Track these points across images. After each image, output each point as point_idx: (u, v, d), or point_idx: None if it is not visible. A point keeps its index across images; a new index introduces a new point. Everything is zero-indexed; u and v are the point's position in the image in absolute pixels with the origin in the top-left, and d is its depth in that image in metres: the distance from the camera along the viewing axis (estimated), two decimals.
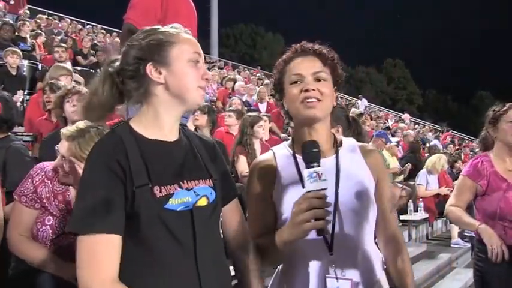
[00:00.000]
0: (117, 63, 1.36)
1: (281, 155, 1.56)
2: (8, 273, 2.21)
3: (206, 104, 4.69)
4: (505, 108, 2.70)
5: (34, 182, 2.16)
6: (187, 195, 1.29)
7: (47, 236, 2.14)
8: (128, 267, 1.21)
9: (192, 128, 4.20)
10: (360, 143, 1.62)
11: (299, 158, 1.50)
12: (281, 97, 1.57)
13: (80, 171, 1.99)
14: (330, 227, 1.42)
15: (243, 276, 1.49)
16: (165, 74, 1.30)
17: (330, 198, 1.40)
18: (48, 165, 2.23)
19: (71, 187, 2.20)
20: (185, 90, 1.31)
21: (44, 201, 2.15)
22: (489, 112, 2.78)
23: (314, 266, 1.45)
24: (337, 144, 1.56)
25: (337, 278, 1.42)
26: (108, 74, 1.35)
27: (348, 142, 1.60)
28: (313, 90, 1.44)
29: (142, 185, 1.22)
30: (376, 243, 1.59)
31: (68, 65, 6.21)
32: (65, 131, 2.16)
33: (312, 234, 1.36)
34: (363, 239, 1.48)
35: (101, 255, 1.17)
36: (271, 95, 10.88)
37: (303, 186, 1.36)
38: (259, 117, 4.69)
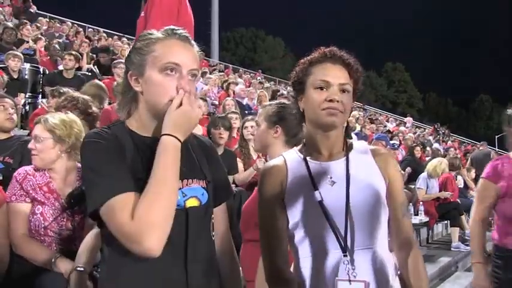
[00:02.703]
0: None
1: (292, 159, 1.56)
2: (10, 275, 2.22)
3: (222, 115, 4.55)
4: None
5: (18, 179, 2.27)
6: None
7: (39, 224, 2.22)
8: (116, 261, 1.24)
9: (200, 132, 4.17)
10: (373, 146, 1.62)
11: (310, 161, 1.52)
12: (298, 95, 1.56)
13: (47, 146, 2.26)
14: (342, 229, 1.44)
15: (228, 277, 1.49)
16: (141, 83, 1.32)
17: (342, 201, 1.44)
18: (28, 168, 2.35)
19: (52, 178, 2.32)
20: (156, 102, 1.30)
21: (31, 192, 2.25)
22: (504, 114, 2.67)
23: (325, 269, 1.45)
24: (347, 148, 1.55)
25: (350, 281, 1.41)
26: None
27: (359, 145, 1.60)
28: (338, 102, 1.44)
29: (139, 178, 1.23)
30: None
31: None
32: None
33: (325, 236, 1.43)
34: (375, 242, 1.46)
35: (128, 208, 1.17)
36: (271, 98, 10.90)
37: (316, 189, 1.45)
38: (247, 119, 4.54)
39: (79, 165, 2.39)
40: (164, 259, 1.22)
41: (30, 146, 2.30)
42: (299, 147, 1.61)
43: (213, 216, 1.42)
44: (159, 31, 1.36)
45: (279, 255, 1.50)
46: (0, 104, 3.06)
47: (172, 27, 1.36)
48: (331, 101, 1.44)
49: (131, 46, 1.39)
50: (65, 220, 2.27)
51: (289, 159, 1.57)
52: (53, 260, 2.13)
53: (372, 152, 1.55)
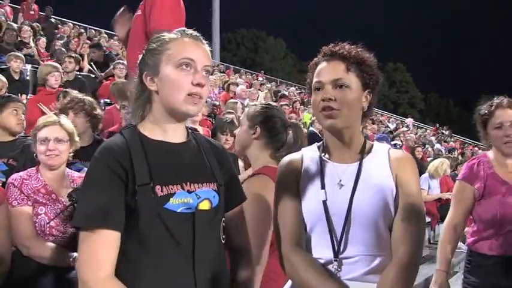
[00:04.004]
0: None
1: (309, 155, 1.57)
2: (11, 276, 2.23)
3: (230, 120, 4.46)
4: (491, 110, 2.37)
5: (16, 184, 2.31)
6: (188, 197, 1.31)
7: (44, 224, 2.28)
8: (125, 265, 1.24)
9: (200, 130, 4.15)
10: (395, 149, 1.54)
11: (325, 160, 1.52)
12: None
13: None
14: (339, 234, 1.43)
15: (238, 277, 1.49)
16: (157, 82, 1.34)
17: (344, 205, 1.42)
18: (21, 173, 2.40)
19: (48, 179, 2.38)
20: (172, 98, 1.32)
21: (32, 195, 2.31)
22: (476, 114, 2.45)
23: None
24: (364, 151, 1.50)
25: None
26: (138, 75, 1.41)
27: (380, 148, 1.53)
28: (331, 99, 1.41)
29: (144, 184, 1.25)
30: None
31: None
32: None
33: (321, 237, 1.43)
34: (375, 250, 1.42)
35: (99, 252, 1.21)
36: (274, 100, 10.91)
37: (323, 187, 1.43)
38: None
39: (67, 169, 2.52)
40: (173, 262, 1.25)
41: (51, 147, 2.35)
42: (320, 143, 1.60)
43: (223, 219, 1.41)
44: (170, 32, 1.39)
45: (298, 238, 1.47)
46: (14, 108, 3.06)
47: (183, 28, 1.41)
48: (323, 100, 1.42)
49: (145, 49, 1.40)
50: (68, 218, 2.31)
51: (307, 154, 1.58)
52: (74, 256, 2.18)
53: (389, 155, 1.49)
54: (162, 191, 1.27)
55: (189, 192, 1.31)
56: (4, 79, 5.01)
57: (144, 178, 1.26)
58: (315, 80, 1.48)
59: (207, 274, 1.31)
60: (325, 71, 1.46)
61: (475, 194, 2.36)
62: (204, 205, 1.34)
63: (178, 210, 1.28)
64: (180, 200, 1.29)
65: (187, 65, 1.32)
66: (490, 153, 2.44)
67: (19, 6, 13.15)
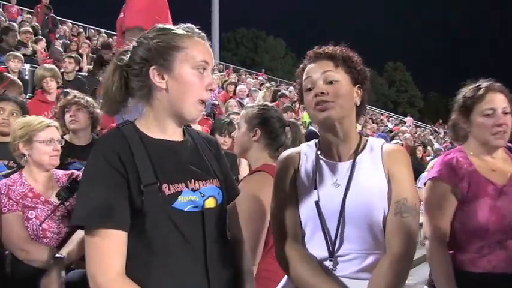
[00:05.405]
0: (128, 56, 1.33)
1: (307, 151, 1.58)
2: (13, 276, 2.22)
3: (228, 121, 4.39)
4: (480, 93, 1.93)
5: (2, 191, 2.26)
6: (194, 195, 1.28)
7: (37, 228, 2.26)
8: (133, 268, 1.20)
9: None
10: (388, 143, 1.54)
11: (321, 159, 1.52)
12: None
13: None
14: (333, 233, 1.43)
15: (237, 272, 1.46)
16: (167, 79, 1.28)
17: (338, 205, 1.42)
18: (4, 180, 2.37)
19: (37, 182, 2.35)
20: (183, 101, 1.28)
21: (20, 200, 2.27)
22: (458, 97, 2.03)
23: None
24: (357, 148, 1.50)
25: None
26: (117, 66, 1.33)
27: (374, 143, 1.53)
28: (323, 93, 1.43)
29: (151, 183, 1.21)
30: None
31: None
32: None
33: (316, 236, 1.43)
34: (371, 248, 1.42)
35: (108, 252, 1.17)
36: (272, 98, 10.89)
37: (315, 188, 1.43)
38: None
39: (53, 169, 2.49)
40: (183, 261, 1.23)
41: (53, 148, 2.37)
42: (317, 140, 1.60)
43: (227, 215, 1.41)
44: (178, 27, 1.34)
45: (293, 237, 1.48)
46: None
47: (189, 25, 1.36)
48: (316, 95, 1.44)
49: (146, 38, 1.31)
50: (61, 218, 2.29)
51: (305, 150, 1.58)
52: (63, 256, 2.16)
53: (382, 149, 1.50)
54: (169, 189, 1.24)
55: (193, 190, 1.29)
56: (19, 82, 4.75)
57: (149, 177, 1.22)
58: (304, 80, 1.50)
59: (219, 272, 1.29)
60: (314, 70, 1.49)
61: (457, 195, 1.92)
62: (210, 203, 1.32)
63: (185, 209, 1.25)
64: (187, 198, 1.26)
65: (204, 68, 1.30)
66: (466, 148, 2.02)
67: (26, 9, 13.13)
